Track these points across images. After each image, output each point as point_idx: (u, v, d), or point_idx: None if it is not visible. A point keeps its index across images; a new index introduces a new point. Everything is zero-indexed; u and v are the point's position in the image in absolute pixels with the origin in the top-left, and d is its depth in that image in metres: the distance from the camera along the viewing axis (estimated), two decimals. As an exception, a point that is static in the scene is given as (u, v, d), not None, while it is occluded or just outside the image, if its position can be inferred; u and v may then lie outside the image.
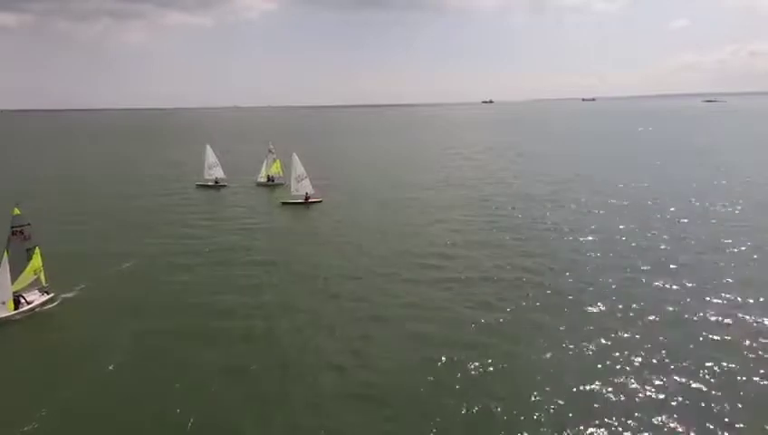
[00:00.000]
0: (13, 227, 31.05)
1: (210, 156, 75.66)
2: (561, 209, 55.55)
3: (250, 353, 25.66)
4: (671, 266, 36.40)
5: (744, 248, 40.18)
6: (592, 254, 39.83)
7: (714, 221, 49.06)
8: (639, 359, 24.15)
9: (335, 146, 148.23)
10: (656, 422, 19.76)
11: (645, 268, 36.23)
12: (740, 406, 20.60)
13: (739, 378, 22.51)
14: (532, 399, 21.41)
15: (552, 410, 20.54)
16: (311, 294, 33.05)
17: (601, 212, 53.90)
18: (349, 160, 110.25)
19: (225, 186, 74.61)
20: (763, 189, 64.20)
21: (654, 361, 24.00)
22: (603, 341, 25.99)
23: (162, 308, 31.31)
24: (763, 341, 25.57)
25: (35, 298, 31.72)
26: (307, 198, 60.45)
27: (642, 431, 19.34)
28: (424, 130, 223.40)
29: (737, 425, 19.53)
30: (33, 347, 27.87)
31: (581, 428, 19.56)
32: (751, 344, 25.31)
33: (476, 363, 24.05)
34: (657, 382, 22.27)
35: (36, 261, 32.09)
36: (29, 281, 31.75)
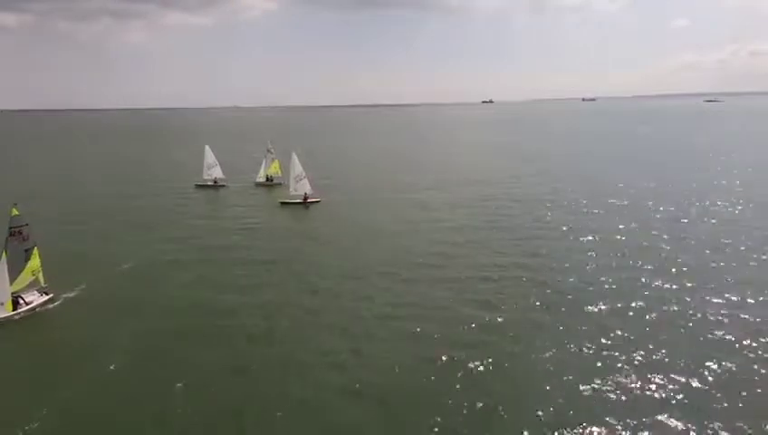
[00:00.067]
0: (11, 228, 30.96)
1: (209, 156, 75.70)
2: (561, 209, 55.55)
3: (250, 353, 25.68)
4: (671, 266, 36.38)
5: (743, 248, 40.18)
6: (592, 253, 39.82)
7: (714, 221, 49.07)
8: (639, 358, 24.14)
9: (335, 146, 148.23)
10: (655, 421, 19.75)
11: (645, 268, 36.23)
12: (740, 405, 20.59)
13: (739, 377, 22.50)
14: (533, 397, 21.40)
15: (552, 409, 20.53)
16: (310, 294, 33.04)
17: (601, 212, 53.90)
18: (348, 160, 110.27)
19: (223, 186, 74.63)
20: (763, 189, 64.19)
21: (654, 360, 23.99)
22: (603, 340, 25.98)
23: (162, 308, 31.31)
24: (764, 340, 25.57)
25: (34, 299, 31.67)
26: (306, 198, 60.46)
27: (642, 430, 19.34)
28: (424, 130, 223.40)
29: (737, 424, 19.52)
30: (33, 348, 27.85)
31: (581, 426, 19.55)
32: (751, 344, 25.31)
33: (477, 362, 24.04)
34: (658, 381, 22.26)
35: (35, 262, 32.05)
36: (27, 282, 31.72)
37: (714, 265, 36.68)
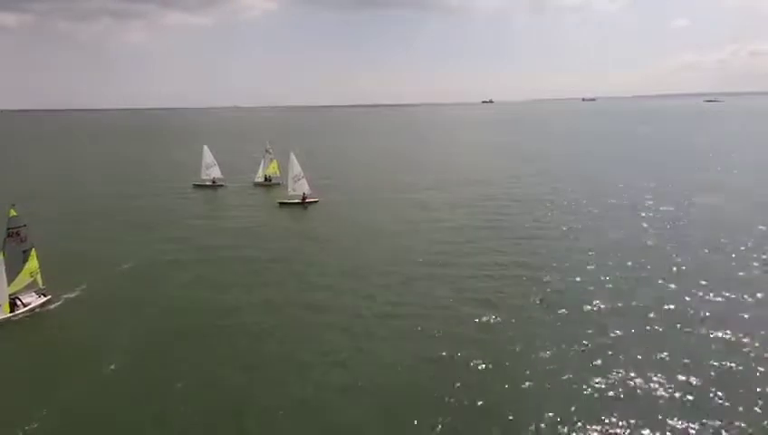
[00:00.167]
0: (9, 229, 30.75)
1: (207, 156, 75.76)
2: (561, 209, 55.55)
3: (250, 353, 25.69)
4: (671, 265, 36.38)
5: (743, 248, 40.16)
6: (592, 253, 39.81)
7: (714, 221, 49.06)
8: (639, 357, 24.13)
9: (335, 146, 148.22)
10: (655, 420, 19.75)
11: (644, 267, 36.23)
12: (740, 404, 20.59)
13: (739, 377, 22.51)
14: (533, 396, 21.41)
15: (552, 408, 20.52)
16: (310, 294, 33.03)
17: (601, 212, 53.90)
18: (348, 160, 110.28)
19: (222, 186, 74.69)
20: (763, 189, 64.19)
21: (653, 359, 23.98)
22: (603, 339, 25.98)
23: (162, 308, 31.31)
24: (764, 340, 25.57)
25: (32, 300, 31.44)
26: (304, 198, 60.45)
27: (642, 429, 19.35)
28: (424, 130, 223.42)
29: (738, 423, 19.53)
30: (33, 348, 27.83)
31: (581, 425, 19.56)
32: (751, 343, 25.31)
33: (477, 361, 24.05)
34: (657, 380, 22.26)
35: (33, 263, 31.87)
36: (25, 283, 31.52)
37: (714, 264, 36.68)
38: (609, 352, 24.80)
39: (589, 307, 29.98)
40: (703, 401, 20.94)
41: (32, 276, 31.83)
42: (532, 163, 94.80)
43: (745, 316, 28.34)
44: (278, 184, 72.38)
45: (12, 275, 30.74)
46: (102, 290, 34.05)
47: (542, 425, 19.76)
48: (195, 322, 29.28)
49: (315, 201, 60.81)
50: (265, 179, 75.40)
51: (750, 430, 19.27)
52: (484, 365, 23.95)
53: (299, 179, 61.04)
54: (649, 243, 42.31)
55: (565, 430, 19.53)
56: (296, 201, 60.27)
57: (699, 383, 22.14)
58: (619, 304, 30.20)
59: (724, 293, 31.51)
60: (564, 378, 22.75)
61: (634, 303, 30.39)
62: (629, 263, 37.36)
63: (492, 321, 28.56)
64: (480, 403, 21.12)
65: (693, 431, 19.28)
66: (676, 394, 21.43)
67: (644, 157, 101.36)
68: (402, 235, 46.89)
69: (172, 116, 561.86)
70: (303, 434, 19.81)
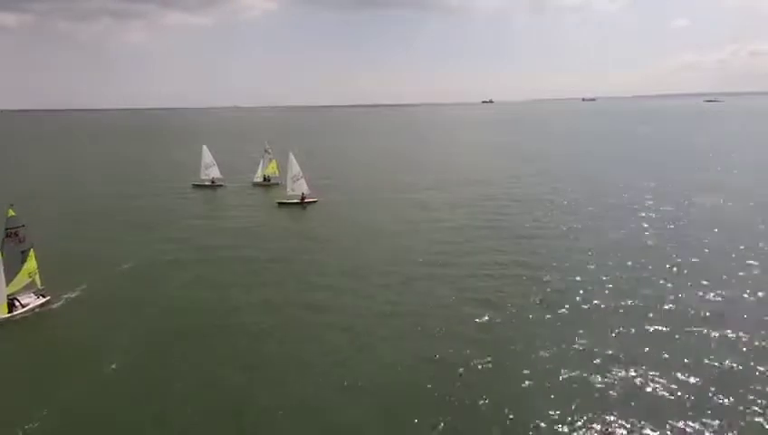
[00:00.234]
0: (7, 229, 30.58)
1: (206, 156, 75.82)
2: (561, 209, 55.56)
3: (250, 352, 25.69)
4: (671, 265, 36.38)
5: (743, 248, 40.12)
6: (592, 253, 39.81)
7: (713, 221, 49.02)
8: (640, 357, 24.11)
9: (335, 146, 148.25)
10: (656, 418, 19.74)
11: (644, 267, 36.21)
12: (740, 404, 20.59)
13: (740, 376, 22.50)
14: (533, 395, 21.40)
15: (552, 407, 20.51)
16: (310, 293, 33.02)
17: (601, 212, 53.90)
18: (348, 160, 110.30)
19: (221, 186, 74.76)
20: (763, 189, 64.18)
21: (654, 358, 23.96)
22: (603, 338, 25.97)
23: (162, 308, 31.31)
24: (764, 339, 25.57)
25: (30, 301, 31.26)
26: (303, 198, 60.44)
27: (642, 428, 19.35)
28: (424, 130, 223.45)
29: (738, 422, 19.54)
30: (33, 348, 27.81)
31: (581, 424, 19.57)
32: (751, 342, 25.32)
33: (477, 361, 24.05)
34: (657, 379, 22.25)
35: (31, 263, 31.64)
36: (24, 284, 31.30)
37: (714, 264, 36.66)
38: (609, 352, 24.79)
39: (589, 307, 29.99)
40: (703, 401, 20.93)
41: (30, 277, 31.63)
42: (532, 163, 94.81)
43: (746, 316, 28.33)
44: (277, 184, 72.38)
45: (10, 275, 30.57)
46: (102, 290, 34.05)
47: (543, 425, 19.75)
48: (195, 322, 29.28)
49: (314, 201, 60.82)
50: (264, 179, 75.43)
51: (750, 430, 19.27)
52: (484, 365, 23.95)
53: (298, 179, 61.04)
54: (649, 243, 42.31)
55: (565, 429, 19.53)
56: (295, 201, 60.26)
57: (699, 383, 22.14)
58: (619, 304, 30.19)
59: (724, 292, 31.51)
60: (564, 377, 22.75)
61: (634, 302, 30.38)
62: (629, 263, 37.35)
63: (492, 320, 28.56)
64: (480, 403, 21.11)
65: (693, 431, 19.27)
66: (676, 394, 21.43)
67: (644, 157, 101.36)
68: (402, 235, 46.89)
69: (172, 116, 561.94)
70: (303, 434, 19.82)
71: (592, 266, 36.91)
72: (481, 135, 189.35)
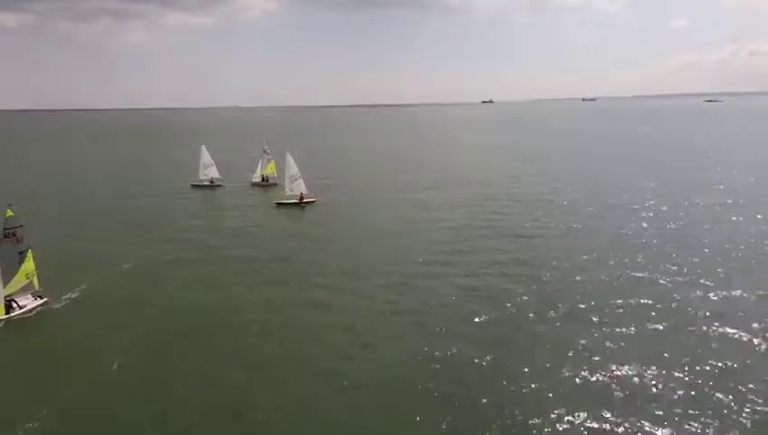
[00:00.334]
0: (5, 229, 30.31)
1: (205, 156, 75.87)
2: (561, 209, 55.55)
3: (250, 352, 25.67)
4: (671, 265, 36.35)
5: (743, 248, 40.16)
6: (593, 253, 39.78)
7: (714, 221, 49.04)
8: (640, 356, 24.08)
9: (335, 146, 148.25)
10: (657, 416, 19.76)
11: (644, 267, 36.17)
12: (740, 402, 20.59)
13: (740, 375, 22.47)
14: (533, 394, 21.40)
15: (553, 406, 20.52)
16: (310, 293, 32.99)
17: (601, 212, 53.89)
18: (348, 160, 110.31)
19: (220, 186, 74.81)
20: (763, 189, 64.19)
21: (654, 357, 23.94)
22: (603, 338, 25.96)
23: (162, 308, 31.29)
24: (764, 338, 25.57)
25: (28, 303, 30.97)
26: (301, 199, 60.41)
27: (643, 426, 19.35)
28: (424, 130, 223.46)
29: (738, 421, 19.55)
30: (32, 348, 27.72)
31: (581, 422, 19.58)
32: (751, 341, 25.33)
33: (477, 360, 24.07)
34: (658, 378, 22.28)
35: (29, 264, 31.30)
36: (21, 285, 30.96)
37: (713, 264, 36.64)
38: (609, 351, 24.80)
39: (589, 306, 29.97)
40: (703, 400, 20.93)
41: (28, 278, 31.26)
42: (532, 163, 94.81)
43: (746, 316, 28.31)
44: (275, 184, 72.34)
45: (7, 276, 30.29)
46: (102, 290, 34.03)
47: (543, 424, 19.75)
48: (195, 322, 29.28)
49: (312, 201, 60.80)
50: (263, 180, 75.45)
51: (750, 429, 19.27)
52: (484, 364, 23.95)
53: (296, 179, 60.99)
54: (649, 243, 42.30)
55: (566, 428, 19.54)
56: (293, 201, 60.24)
57: (699, 382, 22.14)
58: (619, 303, 30.19)
59: (724, 292, 31.51)
60: (564, 376, 22.76)
61: (634, 302, 30.37)
62: (629, 262, 37.35)
63: (492, 320, 28.55)
64: (480, 402, 21.12)
65: (693, 430, 19.27)
66: (676, 393, 21.43)
67: (644, 157, 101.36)
68: (402, 235, 46.88)
69: (172, 116, 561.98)
70: (303, 434, 19.81)
71: (592, 266, 36.91)
72: (481, 135, 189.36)
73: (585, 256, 39.12)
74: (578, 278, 34.62)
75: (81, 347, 26.64)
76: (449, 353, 24.94)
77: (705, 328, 27.09)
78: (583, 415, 20.18)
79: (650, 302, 30.37)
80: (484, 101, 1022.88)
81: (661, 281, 33.78)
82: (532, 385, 22.27)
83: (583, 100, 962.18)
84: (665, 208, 54.35)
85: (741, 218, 49.66)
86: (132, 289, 34.53)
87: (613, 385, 22.18)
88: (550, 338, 26.42)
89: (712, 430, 19.32)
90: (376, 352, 25.58)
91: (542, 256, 39.58)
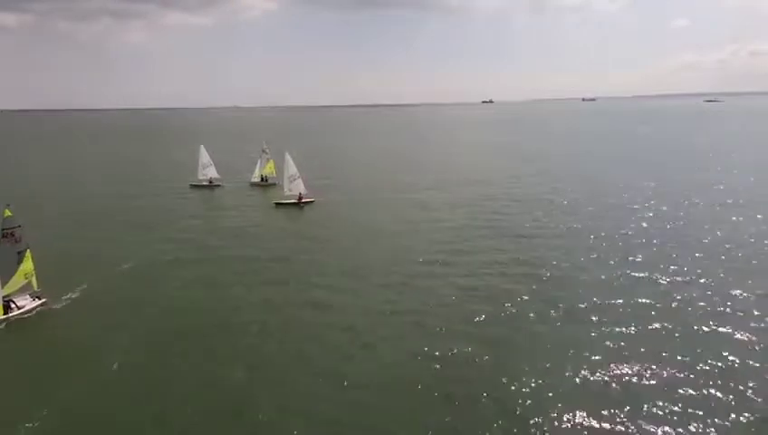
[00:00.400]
0: (3, 230, 30.15)
1: (204, 156, 75.91)
2: (561, 209, 55.55)
3: (250, 352, 25.67)
4: (671, 264, 36.34)
5: (743, 248, 40.16)
6: (593, 253, 39.79)
7: (714, 221, 49.02)
8: (640, 355, 24.11)
9: (334, 146, 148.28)
10: (658, 415, 19.78)
11: (644, 266, 36.15)
12: (740, 401, 20.60)
13: (740, 374, 22.49)
14: (533, 393, 21.40)
15: (553, 405, 20.55)
16: (310, 293, 32.99)
17: (601, 212, 53.87)
18: (348, 160, 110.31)
19: (219, 185, 74.87)
20: (763, 189, 64.17)
21: (654, 356, 23.98)
22: (604, 337, 25.99)
23: (162, 308, 31.29)
24: (764, 337, 25.59)
25: (26, 303, 30.83)
26: (300, 199, 60.40)
27: (644, 425, 19.36)
28: (424, 130, 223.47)
29: (738, 420, 19.56)
30: (32, 348, 27.71)
31: (582, 420, 19.59)
32: (751, 340, 25.34)
33: (478, 358, 24.11)
34: (659, 376, 22.32)
35: (27, 264, 31.11)
36: (20, 285, 30.81)
37: (713, 264, 36.65)
38: (609, 351, 24.80)
39: (589, 306, 29.97)
40: (703, 399, 20.94)
41: (26, 278, 31.11)
42: (532, 163, 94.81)
43: (746, 315, 28.34)
44: (274, 184, 72.32)
45: (6, 276, 30.17)
46: (102, 290, 34.03)
47: (543, 423, 19.77)
48: (195, 322, 29.28)
49: (311, 201, 60.78)
50: (262, 179, 75.47)
51: (750, 428, 19.28)
52: (484, 363, 23.97)
53: (294, 179, 60.93)
54: (649, 243, 42.29)
55: (566, 427, 19.56)
56: (292, 201, 60.20)
57: (699, 381, 22.14)
58: (619, 303, 30.20)
59: (724, 292, 31.51)
60: (564, 375, 22.77)
61: (634, 302, 30.38)
62: (629, 262, 37.34)
63: (492, 319, 28.56)
64: (481, 401, 21.13)
65: (693, 428, 19.28)
66: (676, 391, 21.43)
67: (644, 157, 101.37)
68: (402, 235, 46.88)
69: (172, 116, 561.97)
70: (304, 433, 19.82)
71: (592, 266, 36.91)
72: (481, 135, 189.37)
73: (585, 256, 39.13)
74: (578, 278, 34.62)
75: (81, 347, 26.64)
76: (449, 353, 24.94)
77: (704, 328, 27.09)
78: (583, 414, 20.19)
79: (650, 302, 30.38)
80: (484, 101, 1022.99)
81: (661, 281, 33.78)
82: (532, 385, 22.28)
83: (583, 100, 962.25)
84: (665, 208, 54.36)
85: (741, 218, 49.66)
86: (132, 289, 34.53)
87: (613, 384, 22.20)
88: (550, 338, 26.43)
89: (712, 429, 19.33)
90: (376, 351, 25.58)
91: (542, 255, 39.57)
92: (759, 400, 20.90)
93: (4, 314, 29.76)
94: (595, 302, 30.57)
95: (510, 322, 28.39)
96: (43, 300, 31.44)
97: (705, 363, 23.62)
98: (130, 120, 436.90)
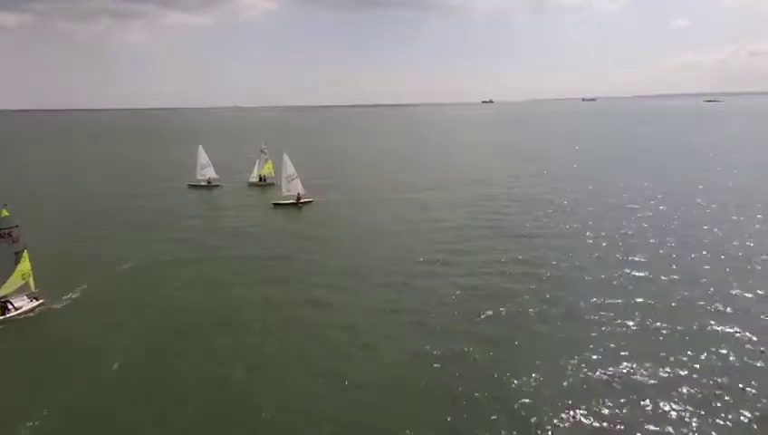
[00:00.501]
0: (0, 230, 29.99)
1: (202, 156, 75.90)
2: (561, 209, 55.55)
3: (250, 352, 25.66)
4: (671, 265, 36.35)
5: (743, 247, 40.16)
6: (593, 252, 39.79)
7: (714, 221, 49.02)
8: (641, 354, 24.08)
9: (334, 146, 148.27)
10: (658, 414, 19.77)
11: (645, 266, 36.14)
12: (740, 400, 20.60)
13: (739, 373, 22.49)
14: (534, 391, 21.39)
15: (553, 403, 20.54)
16: (309, 293, 32.97)
17: (601, 212, 53.87)
18: (348, 160, 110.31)
19: (217, 186, 74.87)
20: (763, 189, 64.17)
21: (655, 355, 23.95)
22: (604, 336, 25.96)
23: (162, 308, 31.28)
24: (764, 336, 25.60)
25: (24, 304, 30.59)
26: (299, 199, 60.37)
27: (644, 423, 19.36)
28: (424, 130, 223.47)
29: (738, 418, 19.57)
30: (32, 348, 27.68)
31: (582, 419, 19.59)
32: (751, 340, 25.33)
33: (478, 358, 24.11)
34: (658, 376, 22.29)
35: (25, 265, 30.85)
36: (17, 286, 30.56)
37: (713, 264, 36.65)
38: (610, 350, 24.78)
39: (589, 306, 29.97)
40: (703, 398, 20.92)
41: (23, 279, 30.83)
42: (532, 163, 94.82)
43: (746, 315, 28.33)
44: (273, 184, 72.26)
45: (2, 277, 29.97)
46: (102, 290, 34.01)
47: (543, 422, 19.75)
48: (195, 322, 29.27)
49: (309, 201, 60.76)
50: (260, 180, 75.45)
51: (751, 427, 19.29)
52: (484, 363, 23.96)
53: (293, 180, 60.85)
54: (649, 243, 42.28)
55: (566, 426, 19.55)
56: (291, 202, 60.17)
57: (699, 380, 22.13)
58: (619, 303, 30.19)
59: (724, 292, 31.51)
60: (565, 375, 22.75)
61: (634, 301, 30.37)
62: (629, 262, 37.33)
63: (492, 319, 28.56)
64: (481, 401, 21.11)
65: (693, 427, 19.27)
66: (676, 391, 21.42)
67: (644, 157, 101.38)
68: (402, 235, 46.87)
69: (172, 116, 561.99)
70: (304, 433, 19.81)
71: (592, 266, 36.91)
72: (481, 135, 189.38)
73: (585, 256, 39.13)
74: (578, 278, 34.62)
75: (80, 347, 26.63)
76: (449, 352, 24.93)
77: (704, 327, 27.09)
78: (584, 414, 20.20)
79: (650, 301, 30.38)
80: (484, 101, 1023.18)
81: (661, 280, 33.77)
82: (533, 384, 22.28)
83: (583, 100, 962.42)
84: (665, 208, 54.36)
85: (741, 218, 49.66)
86: (132, 289, 34.52)
87: (613, 384, 22.18)
88: (550, 337, 26.44)
89: (712, 428, 19.33)
90: (376, 351, 25.57)
91: (542, 255, 39.57)
92: (759, 399, 20.89)
93: (2, 315, 29.59)
94: (595, 302, 30.57)
95: (510, 321, 28.40)
96: (41, 301, 31.22)
97: (706, 363, 23.62)
98: (130, 120, 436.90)
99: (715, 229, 45.89)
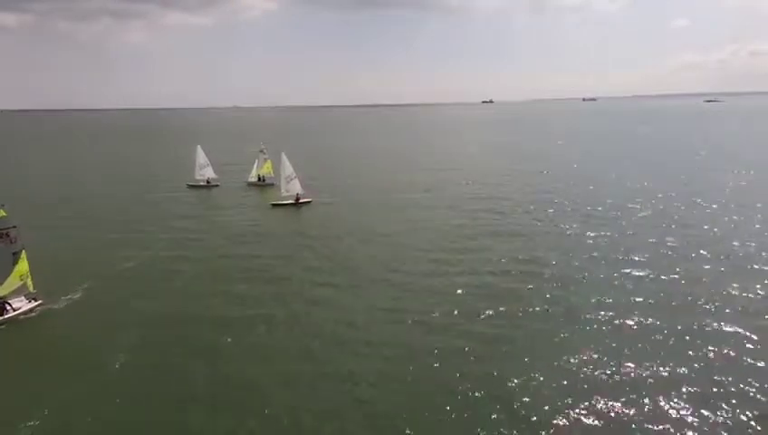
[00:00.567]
0: None
1: (201, 156, 75.92)
2: (561, 209, 55.54)
3: (251, 352, 25.65)
4: (671, 264, 36.33)
5: (743, 247, 40.16)
6: (593, 252, 39.78)
7: (714, 221, 49.02)
8: (642, 353, 24.11)
9: (334, 146, 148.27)
10: (657, 413, 19.77)
11: (645, 266, 36.14)
12: (740, 399, 20.62)
13: (740, 372, 22.49)
14: (534, 391, 21.40)
15: (554, 403, 20.54)
16: (309, 292, 33.01)
17: (601, 212, 53.88)
18: (347, 160, 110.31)
19: (217, 186, 74.89)
20: (763, 189, 64.17)
21: (655, 354, 23.95)
22: (604, 335, 25.98)
23: (162, 308, 31.27)
24: (764, 335, 25.60)
25: (22, 305, 30.44)
26: (297, 199, 60.32)
27: (645, 423, 19.38)
28: (424, 130, 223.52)
29: (738, 418, 19.58)
30: (32, 349, 27.64)
31: (583, 418, 19.60)
32: (751, 339, 25.33)
33: (478, 356, 24.11)
34: (658, 375, 22.28)
35: (23, 265, 30.69)
36: (15, 287, 30.40)
37: (713, 264, 36.64)
38: (610, 350, 24.77)
39: (589, 305, 29.97)
40: (702, 397, 20.92)
41: (22, 280, 30.69)
42: (532, 163, 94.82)
43: (746, 315, 28.32)
44: (272, 184, 72.20)
45: (0, 278, 29.86)
46: (102, 290, 34.00)
47: (544, 421, 19.75)
48: (195, 321, 29.24)
49: (308, 201, 60.73)
50: (259, 179, 75.44)
51: (751, 426, 19.29)
52: (485, 361, 23.95)
53: (291, 180, 60.79)
54: (649, 242, 42.27)
55: (568, 424, 19.55)
56: (289, 202, 60.15)
57: (699, 379, 22.13)
58: (619, 302, 30.18)
59: (724, 292, 31.51)
60: (565, 374, 22.75)
61: (634, 300, 30.38)
62: (629, 262, 37.32)
63: (492, 318, 28.57)
64: (481, 399, 21.13)
65: (693, 427, 19.28)
66: (676, 390, 21.42)
67: (644, 157, 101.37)
68: (402, 234, 46.87)
69: (172, 116, 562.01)
70: (305, 432, 19.82)
71: (592, 266, 36.91)
72: (481, 135, 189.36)
73: (585, 256, 39.13)
74: (578, 278, 34.62)
75: (80, 347, 26.64)
76: (450, 351, 24.93)
77: (704, 327, 27.09)
78: (584, 413, 20.20)
79: (650, 301, 30.39)
80: (484, 101, 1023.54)
81: (661, 280, 33.77)
82: (533, 383, 22.29)
83: (583, 100, 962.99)
84: (665, 208, 54.35)
85: (741, 218, 49.67)
86: (132, 289, 34.49)
87: (613, 383, 22.18)
88: (550, 336, 26.43)
89: (712, 428, 19.33)
90: (377, 349, 25.56)
91: (542, 255, 39.56)
92: (759, 399, 20.89)
93: (0, 316, 29.49)
94: (595, 301, 30.57)
95: (510, 321, 28.40)
96: (39, 301, 31.08)
97: (706, 363, 23.63)
98: (130, 120, 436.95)
99: (715, 229, 45.90)
